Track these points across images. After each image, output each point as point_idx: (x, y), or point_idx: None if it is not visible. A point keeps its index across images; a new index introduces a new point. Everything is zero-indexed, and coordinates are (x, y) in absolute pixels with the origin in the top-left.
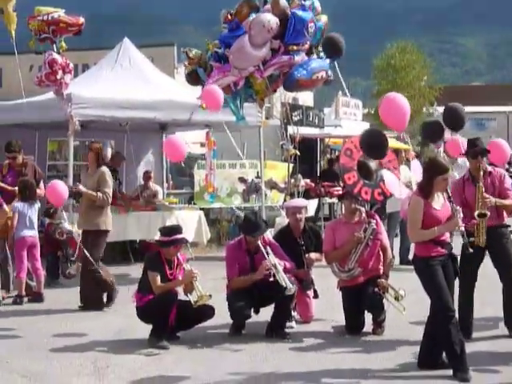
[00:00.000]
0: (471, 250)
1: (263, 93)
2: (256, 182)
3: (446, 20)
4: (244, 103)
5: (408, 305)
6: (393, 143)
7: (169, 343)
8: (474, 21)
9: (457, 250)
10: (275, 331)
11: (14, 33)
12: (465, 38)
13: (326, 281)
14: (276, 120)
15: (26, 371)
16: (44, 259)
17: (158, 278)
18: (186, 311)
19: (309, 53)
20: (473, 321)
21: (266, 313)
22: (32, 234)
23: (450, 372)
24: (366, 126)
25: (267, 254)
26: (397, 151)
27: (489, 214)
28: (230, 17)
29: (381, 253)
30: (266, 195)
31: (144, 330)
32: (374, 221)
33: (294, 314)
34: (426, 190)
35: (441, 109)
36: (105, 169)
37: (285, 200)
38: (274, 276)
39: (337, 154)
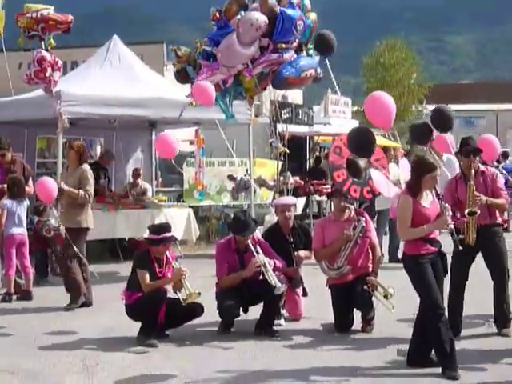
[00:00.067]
0: (461, 248)
1: (253, 91)
2: (245, 179)
3: (434, 18)
4: (233, 101)
5: (397, 302)
6: (382, 141)
7: (158, 341)
8: (463, 19)
9: (447, 248)
10: (264, 329)
11: (1, 30)
12: (453, 36)
13: (315, 279)
14: (265, 118)
15: (15, 369)
16: (33, 257)
17: (147, 276)
18: (175, 309)
19: (298, 50)
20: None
21: (255, 311)
22: (21, 231)
23: (438, 370)
24: (356, 123)
25: (257, 252)
26: (385, 149)
27: (479, 212)
28: (218, 15)
29: (370, 251)
30: (255, 192)
31: (133, 327)
32: (363, 219)
33: (283, 311)
34: (414, 188)
35: (430, 107)
36: (86, 167)
37: (274, 198)
38: (264, 275)
39: (325, 151)
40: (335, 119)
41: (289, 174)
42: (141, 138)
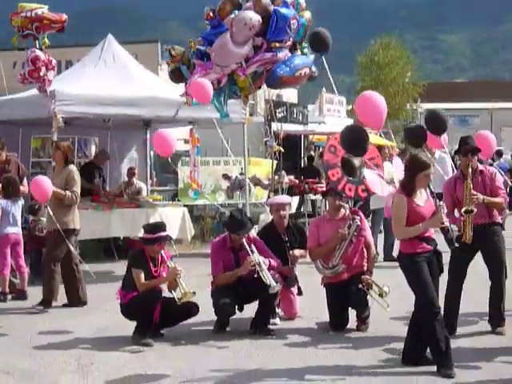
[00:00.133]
0: (457, 245)
1: (247, 90)
2: (240, 178)
3: (428, 17)
4: (228, 100)
5: (392, 301)
6: (376, 140)
7: (153, 340)
8: (457, 17)
9: (443, 247)
10: (259, 328)
11: None
12: (447, 35)
13: (309, 278)
14: (260, 117)
15: (10, 368)
16: (28, 256)
17: (142, 275)
18: (170, 308)
19: (292, 49)
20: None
21: (250, 310)
22: (15, 231)
23: (433, 368)
24: (350, 122)
25: (251, 252)
26: (380, 148)
27: (475, 210)
28: (211, 14)
29: (365, 249)
30: (249, 191)
31: (128, 327)
32: (358, 217)
33: (278, 310)
34: (408, 187)
35: (424, 105)
36: (72, 167)
37: (269, 197)
38: (258, 273)
39: (320, 150)
40: (330, 118)
41: (283, 172)
42: (135, 138)
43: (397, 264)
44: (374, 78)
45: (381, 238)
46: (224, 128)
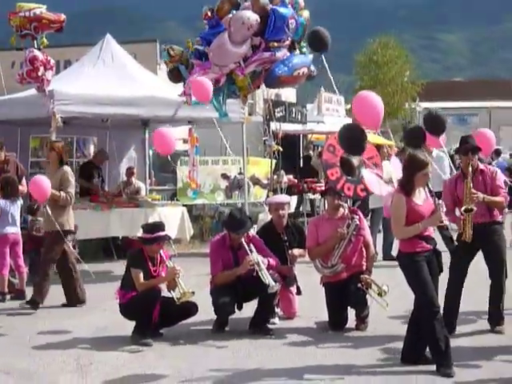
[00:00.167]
0: (456, 243)
1: (246, 89)
2: (239, 178)
3: (427, 16)
4: (227, 99)
5: (391, 300)
6: (375, 139)
7: (152, 340)
8: (456, 17)
9: (442, 247)
10: (258, 327)
11: None
12: (446, 34)
13: (308, 277)
14: (259, 116)
15: (9, 368)
16: (27, 256)
17: (141, 275)
18: (169, 308)
19: (291, 48)
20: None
21: (249, 309)
22: (14, 230)
23: (433, 367)
24: (349, 121)
25: (250, 251)
26: (379, 147)
27: (475, 209)
28: (209, 14)
29: (364, 249)
30: (248, 191)
31: (127, 326)
32: (357, 217)
33: (277, 310)
34: (407, 186)
35: (423, 104)
36: (67, 168)
37: (268, 196)
38: (257, 273)
39: (319, 150)
40: (328, 117)
41: (282, 172)
42: (134, 137)
43: (396, 263)
44: (372, 77)
45: (380, 237)
46: (223, 127)
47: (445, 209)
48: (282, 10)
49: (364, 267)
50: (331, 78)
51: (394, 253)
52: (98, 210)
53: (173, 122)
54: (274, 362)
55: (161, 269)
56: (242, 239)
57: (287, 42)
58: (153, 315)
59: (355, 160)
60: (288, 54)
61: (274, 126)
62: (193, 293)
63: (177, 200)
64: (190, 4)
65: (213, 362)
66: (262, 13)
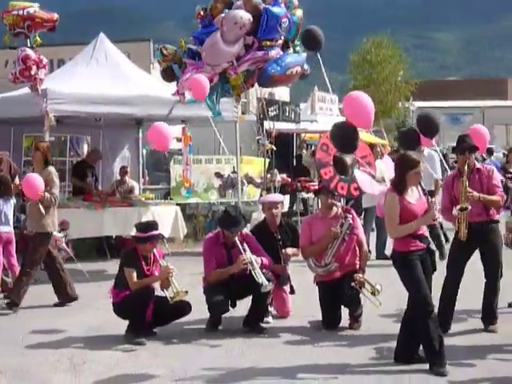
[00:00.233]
0: (450, 240)
1: (239, 88)
2: (232, 177)
3: (421, 15)
4: (220, 98)
5: (384, 299)
6: (368, 138)
7: (145, 339)
8: (450, 16)
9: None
10: (252, 326)
11: None
12: (440, 33)
13: (302, 276)
14: (252, 115)
15: (2, 367)
16: (20, 255)
17: (134, 274)
18: (162, 307)
19: (285, 47)
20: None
21: (243, 308)
22: (7, 229)
23: (426, 366)
24: (342, 120)
25: (244, 250)
26: (372, 146)
27: (470, 207)
28: (202, 13)
29: (357, 248)
30: (242, 190)
31: (120, 325)
32: (351, 216)
33: (270, 309)
34: (399, 185)
35: (417, 104)
36: (52, 169)
37: (261, 195)
38: (251, 272)
39: (312, 148)
40: (322, 116)
41: (276, 171)
42: (127, 136)
43: (389, 262)
44: (366, 76)
45: (373, 236)
46: (216, 126)
47: (438, 207)
48: (274, 9)
49: (357, 266)
50: (325, 76)
51: (388, 252)
52: (91, 209)
53: (167, 120)
54: (267, 361)
55: (154, 268)
56: (236, 238)
57: (280, 41)
58: (146, 314)
59: (348, 159)
60: (281, 52)
61: (267, 124)
62: (186, 292)
63: (170, 199)
64: (186, 3)
65: (206, 360)
66: (254, 12)
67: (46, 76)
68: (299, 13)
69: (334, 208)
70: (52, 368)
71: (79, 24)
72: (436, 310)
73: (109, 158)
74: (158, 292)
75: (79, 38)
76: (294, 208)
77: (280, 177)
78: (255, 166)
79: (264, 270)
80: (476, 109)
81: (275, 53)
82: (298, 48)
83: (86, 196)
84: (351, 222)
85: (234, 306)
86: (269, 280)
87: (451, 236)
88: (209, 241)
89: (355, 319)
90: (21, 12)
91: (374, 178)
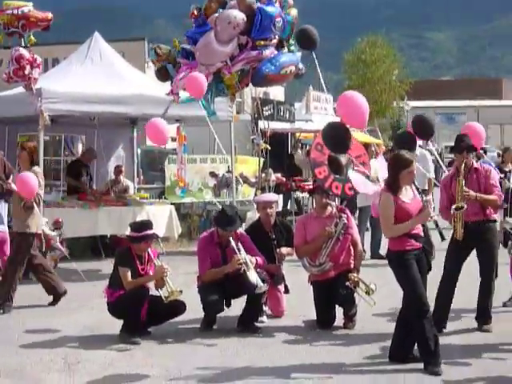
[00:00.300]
0: (446, 238)
1: (234, 88)
2: (227, 176)
3: (415, 15)
4: (215, 98)
5: (379, 299)
6: (362, 138)
7: (140, 338)
8: (444, 16)
9: (437, 246)
10: (246, 325)
11: None
12: (434, 33)
13: (296, 275)
14: (247, 115)
15: None
16: None
17: (129, 273)
18: (157, 306)
19: (279, 47)
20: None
21: (237, 307)
22: (1, 229)
23: (421, 365)
24: (337, 120)
25: (238, 250)
26: (366, 145)
27: (465, 206)
28: (195, 13)
29: (351, 247)
30: (236, 189)
31: (115, 325)
32: (345, 215)
33: (265, 308)
34: (393, 185)
35: (411, 103)
36: (37, 169)
37: (255, 194)
38: (245, 272)
39: (307, 148)
40: (317, 116)
41: (270, 170)
42: (122, 135)
43: (384, 262)
44: (360, 76)
45: (368, 235)
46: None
47: (433, 205)
48: (268, 8)
49: (352, 266)
50: (320, 76)
51: (382, 251)
52: (86, 209)
53: None
54: (262, 360)
55: (149, 267)
56: (231, 238)
57: (274, 41)
58: (141, 314)
59: (343, 158)
60: (276, 52)
61: (262, 124)
62: (180, 291)
63: (165, 198)
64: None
65: (201, 360)
66: (248, 11)
67: (40, 75)
68: (294, 12)
69: (329, 207)
70: (46, 367)
71: (72, 23)
72: (432, 309)
73: (103, 157)
74: (153, 291)
75: (71, 37)
76: (289, 207)
77: (274, 176)
78: (250, 166)
79: (258, 270)
80: (470, 108)
81: (269, 52)
82: (292, 47)
83: (81, 195)
84: (346, 221)
85: (228, 305)
86: (263, 280)
87: (447, 235)
88: (203, 240)
89: (350, 319)
90: (15, 11)
91: (368, 178)
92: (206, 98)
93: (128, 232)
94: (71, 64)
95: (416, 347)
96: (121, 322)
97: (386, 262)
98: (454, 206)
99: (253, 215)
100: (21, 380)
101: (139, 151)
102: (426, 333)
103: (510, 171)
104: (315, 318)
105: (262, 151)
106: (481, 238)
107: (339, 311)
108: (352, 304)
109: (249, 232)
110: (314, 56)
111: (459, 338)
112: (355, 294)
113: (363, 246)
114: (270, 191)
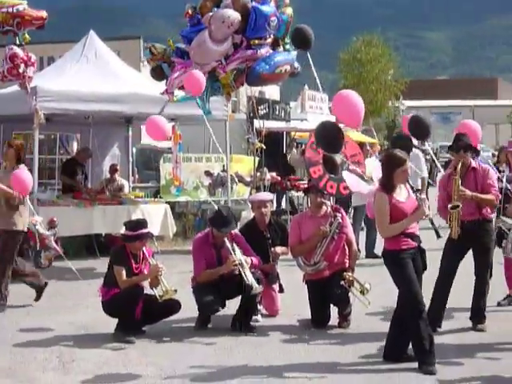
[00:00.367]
0: (442, 236)
1: (229, 87)
2: (222, 175)
3: (411, 15)
4: (210, 97)
5: (373, 298)
6: (357, 137)
7: (134, 337)
8: (440, 15)
9: (433, 244)
10: (241, 325)
11: None
12: (430, 33)
13: (291, 275)
14: (242, 114)
15: None
16: None
17: (124, 272)
18: (152, 305)
19: (275, 46)
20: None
21: (233, 306)
22: None
23: (415, 365)
24: (332, 119)
25: (233, 250)
26: (361, 145)
27: (461, 205)
28: (190, 12)
29: (346, 247)
30: (231, 188)
31: (110, 324)
32: (340, 215)
33: (259, 307)
34: (387, 184)
35: (407, 103)
36: (24, 167)
37: (250, 193)
38: (240, 273)
39: (302, 147)
40: (312, 115)
41: (265, 169)
42: (117, 134)
43: (378, 261)
44: (356, 75)
45: (362, 235)
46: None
47: (428, 203)
48: (263, 7)
49: (346, 265)
50: (316, 75)
51: (377, 250)
52: (80, 207)
53: None
54: (256, 359)
55: (143, 266)
56: (226, 239)
57: (269, 40)
58: (135, 313)
59: (338, 158)
60: (271, 51)
61: (257, 123)
62: (175, 291)
63: (160, 197)
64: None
65: (195, 359)
66: (242, 11)
67: (35, 74)
68: (289, 11)
69: (324, 207)
70: (41, 366)
71: (66, 21)
72: (427, 308)
73: (98, 156)
74: (148, 290)
75: (66, 36)
76: (284, 207)
77: (269, 175)
78: (245, 165)
79: (253, 270)
80: (466, 108)
81: (264, 51)
82: (288, 46)
83: (76, 194)
84: (340, 220)
85: (223, 306)
86: (258, 280)
87: (444, 233)
88: (198, 241)
89: (344, 318)
90: (10, 9)
91: (363, 177)
92: (201, 97)
93: (123, 231)
94: (66, 62)
95: (411, 346)
96: (115, 320)
97: (380, 261)
98: (450, 205)
99: (247, 214)
100: (15, 379)
101: (134, 150)
102: (421, 332)
103: (503, 171)
104: (310, 317)
105: (257, 150)
106: (476, 237)
107: (334, 310)
108: (347, 303)
109: (243, 231)
110: (309, 56)
111: (454, 337)
112: (350, 294)
113: (358, 245)
114: (265, 190)
